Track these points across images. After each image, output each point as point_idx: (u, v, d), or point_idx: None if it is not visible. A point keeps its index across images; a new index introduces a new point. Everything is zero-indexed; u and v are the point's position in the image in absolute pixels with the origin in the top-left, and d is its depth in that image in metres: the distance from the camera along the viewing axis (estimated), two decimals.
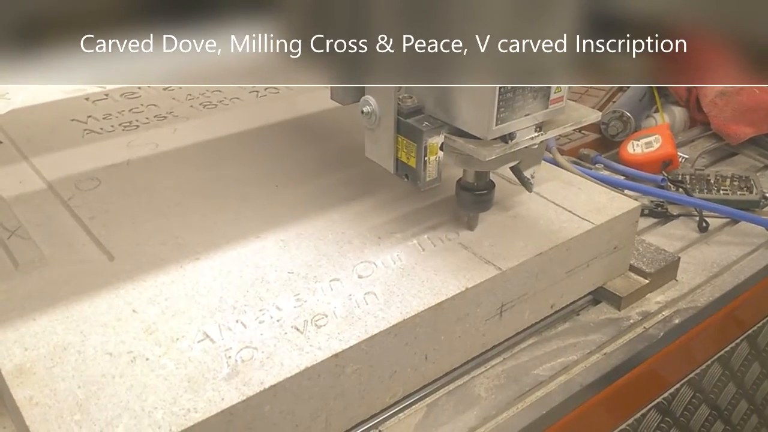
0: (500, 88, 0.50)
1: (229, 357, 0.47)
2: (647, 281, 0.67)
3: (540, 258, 0.59)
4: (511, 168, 0.60)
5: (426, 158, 0.53)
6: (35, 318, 0.50)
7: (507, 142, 0.53)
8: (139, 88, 0.91)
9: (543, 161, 0.65)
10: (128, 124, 0.80)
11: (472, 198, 0.60)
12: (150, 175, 0.69)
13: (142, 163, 0.72)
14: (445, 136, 0.54)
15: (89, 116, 0.82)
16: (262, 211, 0.64)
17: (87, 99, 0.87)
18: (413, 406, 0.55)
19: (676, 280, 0.70)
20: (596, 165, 0.91)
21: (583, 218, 0.63)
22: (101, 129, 0.79)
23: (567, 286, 0.63)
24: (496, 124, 0.52)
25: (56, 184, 0.67)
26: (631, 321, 0.64)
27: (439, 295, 0.53)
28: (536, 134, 0.55)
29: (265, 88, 0.91)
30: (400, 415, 0.54)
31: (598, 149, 0.96)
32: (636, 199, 0.68)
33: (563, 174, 0.73)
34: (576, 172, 0.78)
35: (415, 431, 0.53)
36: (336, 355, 0.48)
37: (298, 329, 0.50)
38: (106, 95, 0.88)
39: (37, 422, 0.42)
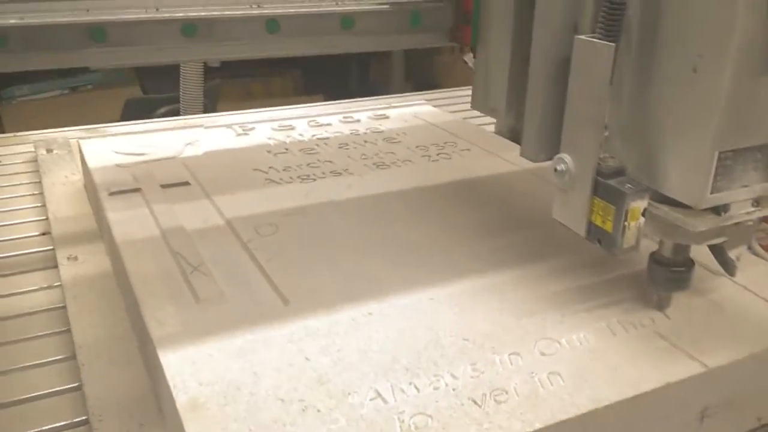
0: (719, 153, 0.45)
1: (402, 421, 0.44)
2: None
3: (752, 360, 0.51)
4: (714, 247, 0.54)
5: (626, 223, 0.49)
6: (211, 353, 0.50)
7: (720, 215, 0.48)
8: (317, 145, 0.93)
9: None
10: (306, 176, 0.82)
11: (668, 275, 0.54)
12: (325, 226, 0.70)
13: (318, 213, 0.72)
14: (649, 202, 0.49)
15: (270, 167, 0.85)
16: (435, 273, 0.61)
17: (269, 152, 0.91)
18: None
19: None
20: None
21: None
22: (281, 179, 0.81)
23: None
24: (711, 193, 0.46)
25: (237, 225, 0.69)
26: None
27: (636, 387, 0.47)
28: (753, 209, 0.49)
29: (437, 153, 0.91)
30: None
31: None
32: None
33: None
34: None
35: None
36: None
37: (475, 402, 0.46)
38: (286, 149, 0.92)
39: None
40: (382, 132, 0.99)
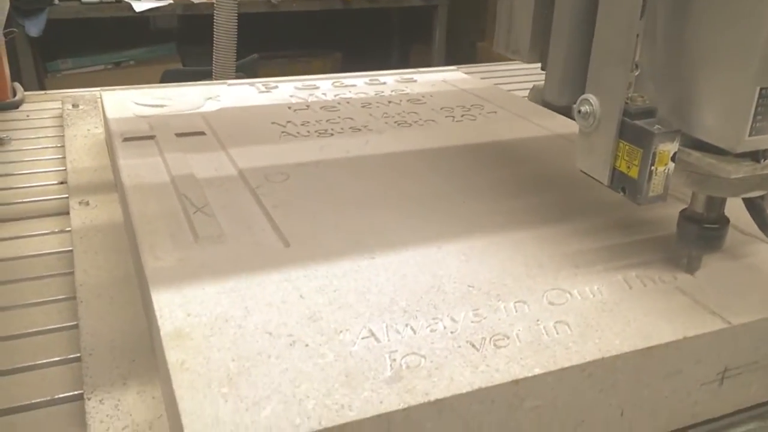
0: (761, 89, 0.41)
1: (394, 360, 0.41)
2: None
3: None
4: (751, 205, 0.50)
5: (653, 168, 0.45)
6: (204, 287, 0.48)
7: (759, 161, 0.44)
8: (338, 103, 0.91)
9: None
10: (324, 131, 0.80)
11: (699, 232, 0.50)
12: (337, 177, 0.67)
13: (332, 165, 0.70)
14: (680, 148, 0.45)
15: (288, 121, 0.83)
16: (446, 224, 0.58)
17: (289, 108, 0.89)
18: None
19: None
20: None
21: None
22: (297, 133, 0.79)
23: None
24: (750, 135, 0.42)
25: (247, 173, 0.67)
26: None
27: (649, 339, 0.44)
28: None
29: (462, 115, 0.88)
30: None
31: None
32: None
33: None
34: None
35: None
36: (516, 382, 0.40)
37: (473, 345, 0.43)
38: (307, 106, 0.90)
39: (184, 388, 0.39)
40: (407, 93, 0.96)
